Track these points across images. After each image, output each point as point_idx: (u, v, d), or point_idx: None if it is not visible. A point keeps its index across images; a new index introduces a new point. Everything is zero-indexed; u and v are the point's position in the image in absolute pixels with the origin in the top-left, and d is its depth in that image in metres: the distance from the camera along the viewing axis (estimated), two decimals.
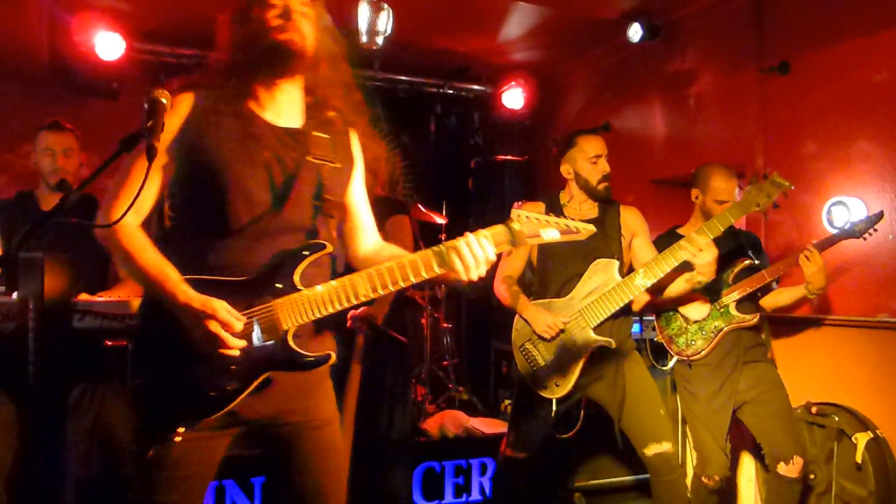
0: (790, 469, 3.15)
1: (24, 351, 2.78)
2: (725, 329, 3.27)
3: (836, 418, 3.48)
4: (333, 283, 1.83)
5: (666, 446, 3.01)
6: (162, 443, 1.78)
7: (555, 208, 3.23)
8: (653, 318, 3.60)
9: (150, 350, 1.83)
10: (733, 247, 3.40)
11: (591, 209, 3.23)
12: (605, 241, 3.15)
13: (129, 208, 1.66)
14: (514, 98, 5.95)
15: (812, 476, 3.45)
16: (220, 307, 1.72)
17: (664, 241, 3.25)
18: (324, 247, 1.87)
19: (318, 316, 1.82)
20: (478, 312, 5.88)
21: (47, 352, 2.76)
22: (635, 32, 4.67)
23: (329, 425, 2.00)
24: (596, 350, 3.04)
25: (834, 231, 3.51)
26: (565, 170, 3.22)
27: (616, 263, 3.10)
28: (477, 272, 1.83)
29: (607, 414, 3.11)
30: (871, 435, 3.35)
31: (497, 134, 6.46)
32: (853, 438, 3.37)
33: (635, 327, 3.94)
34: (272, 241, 1.85)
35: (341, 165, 1.97)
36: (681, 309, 3.35)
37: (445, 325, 5.63)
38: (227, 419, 1.83)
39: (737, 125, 4.34)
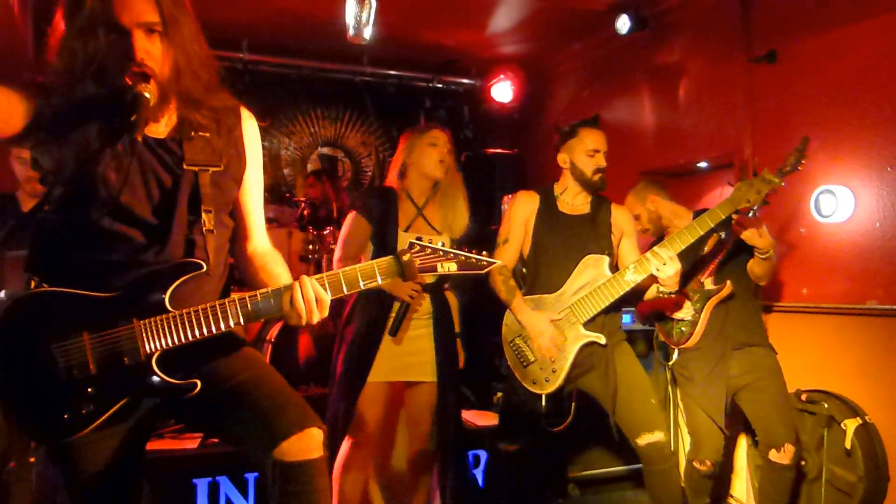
0: (781, 456, 3.17)
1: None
2: (707, 306, 3.28)
3: (826, 405, 3.50)
4: (202, 307, 1.71)
5: (658, 436, 3.02)
6: (21, 459, 1.71)
7: (549, 200, 3.24)
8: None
9: (4, 363, 1.68)
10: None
11: (584, 203, 3.24)
12: (596, 237, 3.16)
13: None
14: (503, 91, 5.95)
15: (803, 463, 3.48)
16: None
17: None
18: (199, 267, 1.75)
19: (184, 341, 1.70)
20: (470, 305, 5.88)
21: None
22: (623, 24, 4.67)
23: (241, 352, 1.86)
24: (586, 343, 3.05)
25: (822, 220, 3.55)
26: (562, 159, 3.23)
27: (606, 259, 3.11)
28: (312, 317, 1.73)
29: (599, 405, 3.13)
30: (860, 421, 3.37)
31: (487, 127, 6.46)
32: (842, 425, 3.40)
33: (626, 318, 3.97)
34: (148, 255, 1.73)
35: (223, 167, 1.81)
36: (673, 315, 3.38)
37: None
38: (118, 423, 1.72)
39: (725, 115, 4.35)
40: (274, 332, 4.31)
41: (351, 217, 3.23)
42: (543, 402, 3.08)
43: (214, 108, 1.82)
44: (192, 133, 1.77)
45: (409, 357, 3.12)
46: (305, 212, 5.56)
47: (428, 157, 3.21)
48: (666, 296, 3.09)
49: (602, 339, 3.04)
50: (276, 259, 1.97)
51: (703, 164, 4.69)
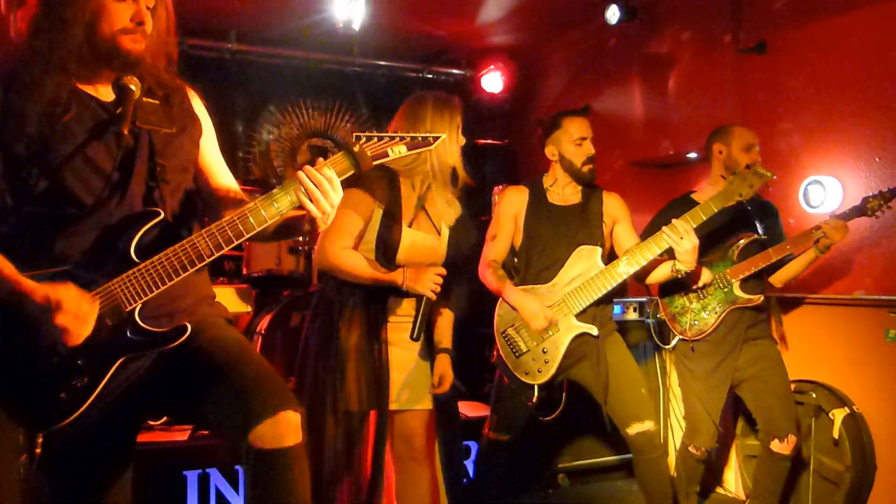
0: (784, 447, 3.19)
1: None
2: (728, 309, 3.24)
3: (814, 395, 3.53)
4: (171, 248, 1.68)
5: (648, 425, 3.03)
6: (27, 452, 1.66)
7: (539, 192, 3.23)
8: (653, 298, 3.60)
9: None
10: (739, 216, 3.32)
11: (575, 193, 3.23)
12: (588, 228, 3.16)
13: None
14: (493, 82, 5.93)
15: None
16: (68, 293, 1.57)
17: (678, 206, 3.24)
18: (156, 214, 1.73)
19: (163, 287, 1.68)
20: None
21: None
22: (613, 14, 4.66)
23: (213, 327, 1.84)
24: (578, 334, 3.06)
25: (811, 211, 3.55)
26: (549, 151, 3.22)
27: (599, 250, 3.11)
28: (326, 203, 1.72)
29: (590, 395, 3.14)
30: (848, 411, 3.40)
31: (477, 118, 6.43)
32: (830, 414, 3.43)
33: (616, 308, 3.98)
34: (115, 218, 1.72)
35: (176, 130, 1.85)
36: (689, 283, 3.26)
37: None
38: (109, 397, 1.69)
39: (715, 106, 4.36)
40: (264, 324, 4.29)
41: (353, 196, 2.63)
42: (536, 393, 3.08)
43: (165, 85, 1.87)
44: (144, 99, 1.80)
45: (398, 377, 2.72)
46: None
47: (450, 139, 2.78)
48: (682, 274, 3.03)
49: (594, 330, 3.05)
50: (245, 196, 1.95)
51: (693, 155, 4.70)
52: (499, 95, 6.01)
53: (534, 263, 3.17)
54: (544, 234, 3.17)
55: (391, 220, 2.65)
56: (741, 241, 3.27)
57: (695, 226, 2.93)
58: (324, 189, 1.71)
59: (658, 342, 3.76)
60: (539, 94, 6.13)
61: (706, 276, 3.22)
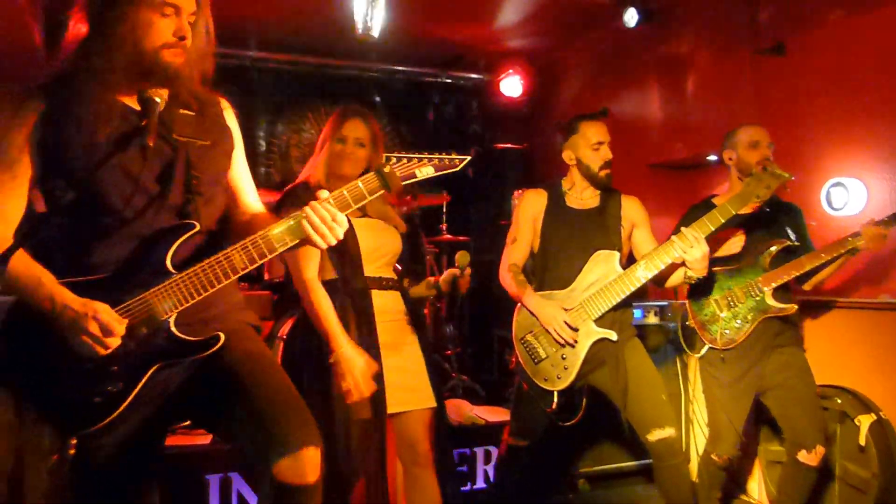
0: (811, 458, 3.12)
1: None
2: (760, 319, 3.17)
3: (839, 400, 3.47)
4: (207, 261, 1.75)
5: (669, 431, 3.01)
6: (61, 453, 1.72)
7: (557, 196, 3.23)
8: (673, 301, 3.56)
9: (21, 359, 1.72)
10: (771, 222, 3.27)
11: (593, 197, 3.23)
12: (606, 233, 3.15)
13: None
14: (511, 86, 5.94)
15: None
16: (103, 308, 1.64)
17: (699, 210, 3.18)
18: (192, 226, 1.79)
19: (198, 298, 1.74)
20: (480, 301, 5.89)
21: None
22: (631, 17, 4.65)
23: (246, 342, 1.89)
24: (597, 339, 3.05)
25: (833, 213, 3.52)
26: (567, 156, 3.22)
27: (617, 255, 3.09)
28: (327, 239, 1.78)
29: (610, 401, 3.12)
30: (875, 417, 3.34)
31: (495, 122, 6.46)
32: (856, 421, 3.37)
33: (637, 312, 3.95)
34: (151, 229, 1.77)
35: (211, 142, 1.90)
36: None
37: (447, 314, 5.64)
38: (141, 400, 1.74)
39: (733, 108, 4.33)
40: (285, 329, 4.31)
41: None
42: (555, 399, 3.07)
43: (201, 97, 1.91)
44: (181, 111, 1.86)
45: (396, 378, 2.71)
46: None
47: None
48: (693, 281, 3.01)
49: (613, 336, 3.03)
50: (271, 216, 2.02)
51: (711, 158, 4.67)
52: (517, 99, 6.01)
53: (551, 268, 3.17)
54: (562, 239, 3.16)
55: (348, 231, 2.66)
56: (773, 248, 3.19)
57: (713, 229, 2.90)
58: (328, 225, 1.77)
59: (686, 348, 3.61)
60: (557, 97, 6.12)
61: (732, 310, 3.17)
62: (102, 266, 1.73)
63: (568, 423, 3.18)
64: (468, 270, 3.00)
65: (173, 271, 1.74)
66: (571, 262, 3.12)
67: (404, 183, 1.86)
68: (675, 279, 3.10)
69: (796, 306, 3.19)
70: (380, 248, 2.77)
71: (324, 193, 1.81)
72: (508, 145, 6.21)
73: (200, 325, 1.80)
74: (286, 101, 6.06)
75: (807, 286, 3.37)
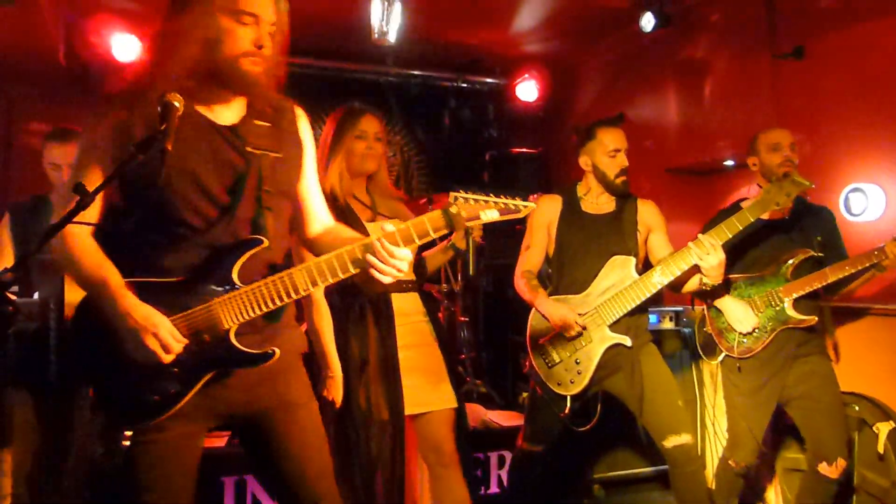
0: (832, 470, 3.07)
1: (45, 351, 2.82)
2: (779, 329, 3.14)
3: (857, 408, 3.44)
4: (272, 278, 1.80)
5: (685, 438, 2.99)
6: (110, 446, 1.80)
7: (572, 201, 3.23)
8: (688, 307, 3.53)
9: (87, 353, 1.80)
10: (799, 228, 3.22)
11: (609, 203, 3.22)
12: (622, 238, 3.14)
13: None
14: (527, 90, 5.93)
15: None
16: (162, 322, 1.70)
17: (726, 215, 3.13)
18: (260, 242, 1.84)
19: (259, 312, 1.80)
20: (495, 305, 5.88)
21: (68, 352, 2.80)
22: (648, 21, 4.64)
23: (303, 406, 1.98)
24: (612, 345, 3.04)
25: (852, 219, 3.48)
26: (583, 161, 3.21)
27: (633, 260, 3.08)
28: (391, 274, 1.82)
29: (625, 406, 3.11)
30: (893, 424, 3.31)
31: (511, 126, 6.45)
32: (874, 428, 3.34)
33: (652, 318, 3.94)
34: (219, 239, 1.82)
35: (283, 154, 1.92)
36: (726, 316, 3.19)
37: (462, 318, 5.64)
38: (193, 415, 1.83)
39: (751, 112, 4.30)
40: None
41: None
42: (568, 404, 3.07)
43: (276, 106, 1.95)
44: (256, 122, 1.88)
45: (417, 379, 2.74)
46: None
47: (358, 151, 2.86)
48: (709, 287, 2.99)
49: (628, 341, 3.02)
50: (343, 227, 2.10)
51: (729, 162, 4.65)
52: (533, 104, 6.01)
53: (566, 273, 3.16)
54: (577, 244, 3.15)
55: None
56: (795, 258, 3.15)
57: (730, 235, 2.89)
58: (391, 264, 1.81)
59: (702, 354, 3.54)
60: (574, 102, 6.11)
61: (749, 320, 3.14)
62: (171, 271, 1.78)
63: (583, 429, 3.18)
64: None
65: (239, 284, 1.79)
66: (587, 267, 3.12)
67: (468, 224, 1.89)
68: (691, 285, 3.08)
69: (816, 318, 3.14)
70: None
71: (389, 226, 1.84)
72: (524, 150, 6.20)
73: (258, 336, 1.86)
74: (303, 104, 6.07)
75: (836, 298, 3.32)
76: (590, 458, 4.03)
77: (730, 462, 3.31)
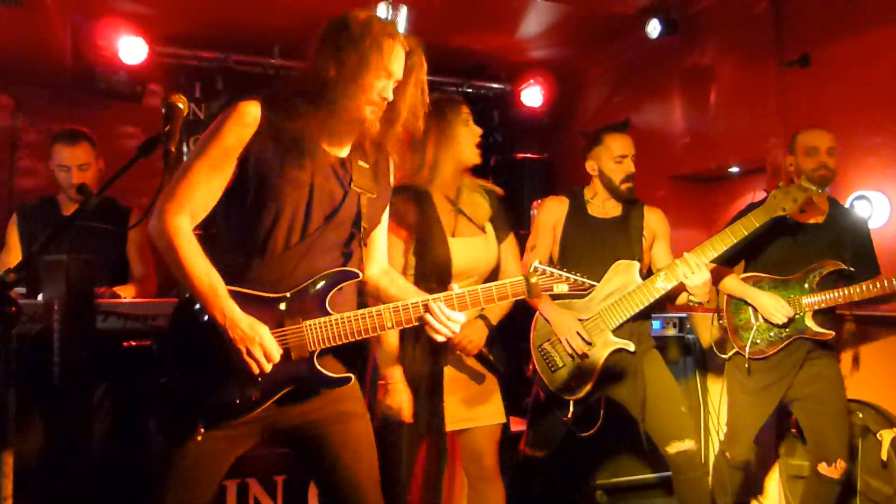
0: (832, 470, 3.10)
1: (48, 352, 2.83)
2: (795, 337, 3.13)
3: (861, 415, 3.43)
4: (360, 312, 1.90)
5: (689, 444, 2.99)
6: (183, 440, 1.84)
7: (579, 204, 3.22)
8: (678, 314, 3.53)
9: (179, 351, 1.89)
10: (830, 236, 3.18)
11: (615, 207, 3.22)
12: (628, 242, 3.14)
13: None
14: (533, 96, 5.93)
15: None
16: (266, 335, 1.80)
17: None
18: (357, 275, 1.96)
19: (344, 342, 1.89)
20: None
21: (72, 353, 2.81)
22: (654, 28, 4.64)
23: (356, 419, 2.04)
24: (615, 350, 3.03)
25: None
26: (590, 166, 3.21)
27: (637, 265, 3.08)
28: (445, 334, 1.94)
29: (628, 412, 3.10)
30: None
31: (516, 132, 6.44)
32: (878, 435, 3.33)
33: (655, 324, 3.93)
34: (312, 263, 1.91)
35: (376, 195, 2.03)
36: (760, 309, 3.15)
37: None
38: (253, 425, 1.89)
39: (757, 119, 4.30)
40: None
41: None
42: (571, 408, 3.06)
43: (378, 150, 2.06)
44: (360, 161, 2.01)
45: (465, 395, 2.72)
46: None
47: (465, 139, 2.73)
48: (695, 304, 3.00)
49: (631, 347, 3.02)
50: (396, 273, 2.23)
51: (734, 169, 4.64)
52: (538, 109, 6.00)
53: None
54: (582, 247, 3.15)
55: (430, 240, 2.65)
56: (824, 269, 3.12)
57: (735, 241, 2.89)
58: (448, 328, 1.93)
59: (714, 349, 3.47)
60: (579, 107, 6.11)
61: (782, 311, 3.09)
62: (257, 281, 1.86)
63: (586, 434, 3.17)
64: None
65: (331, 311, 1.89)
66: (592, 270, 3.09)
67: (544, 293, 2.07)
68: (681, 299, 3.11)
69: (833, 333, 3.13)
70: (471, 269, 2.73)
71: (456, 288, 1.97)
72: (529, 155, 6.20)
73: (332, 357, 1.96)
74: None
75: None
76: (593, 464, 4.02)
77: (726, 454, 3.31)
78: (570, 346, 3.00)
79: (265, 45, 5.38)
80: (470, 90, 6.22)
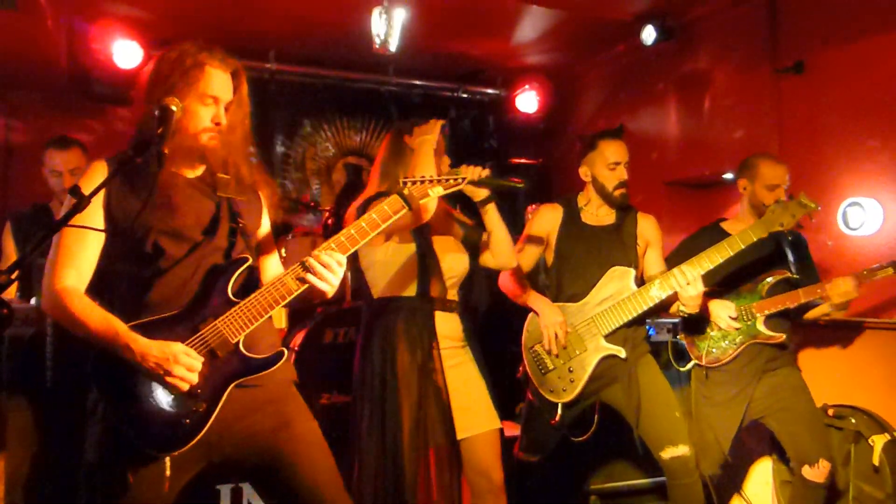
0: (816, 473, 3.09)
1: (42, 356, 2.82)
2: (748, 343, 3.19)
3: (853, 420, 3.45)
4: (264, 287, 1.95)
5: (683, 449, 2.99)
6: (151, 475, 1.88)
7: (573, 211, 3.23)
8: (671, 319, 3.55)
9: (115, 398, 1.89)
10: (773, 251, 3.28)
11: (609, 215, 3.23)
12: (623, 249, 3.14)
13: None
14: (528, 101, 5.94)
15: None
16: (179, 350, 1.82)
17: (707, 234, 3.23)
18: (246, 260, 2.00)
19: (261, 319, 1.93)
20: (493, 317, 5.87)
21: (65, 357, 2.80)
22: (649, 35, 4.65)
23: (301, 422, 2.08)
24: (606, 355, 3.03)
25: (850, 233, 3.49)
26: (583, 172, 3.22)
27: (632, 272, 3.09)
28: (332, 279, 1.96)
29: (623, 417, 3.11)
30: (889, 437, 3.32)
31: (511, 137, 6.46)
32: (870, 440, 3.35)
33: (650, 330, 3.93)
34: (203, 269, 1.97)
35: (247, 198, 2.11)
36: (712, 317, 3.19)
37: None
38: (197, 450, 1.89)
39: (751, 126, 4.32)
40: (297, 340, 4.32)
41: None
42: (559, 411, 3.07)
43: (239, 172, 2.10)
44: (218, 175, 2.07)
45: (461, 402, 2.69)
46: (329, 220, 5.59)
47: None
48: (685, 315, 3.04)
49: (622, 353, 3.02)
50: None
51: (728, 176, 4.65)
52: (533, 115, 6.01)
53: (565, 283, 3.16)
54: (577, 254, 3.16)
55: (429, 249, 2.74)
56: (772, 277, 3.21)
57: (732, 254, 2.91)
58: (332, 270, 1.96)
59: (672, 361, 3.59)
60: (574, 113, 6.12)
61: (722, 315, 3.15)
62: (161, 301, 1.91)
63: (580, 439, 3.17)
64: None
65: (236, 300, 1.93)
66: (586, 278, 3.12)
67: (421, 201, 2.09)
68: (673, 308, 3.13)
69: (784, 336, 3.18)
70: (449, 271, 2.79)
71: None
72: (523, 160, 6.21)
73: (260, 341, 2.01)
74: (303, 113, 6.10)
75: (808, 316, 3.37)
76: (587, 469, 4.01)
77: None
78: (549, 342, 3.01)
79: (261, 49, 5.38)
80: (465, 95, 6.24)
